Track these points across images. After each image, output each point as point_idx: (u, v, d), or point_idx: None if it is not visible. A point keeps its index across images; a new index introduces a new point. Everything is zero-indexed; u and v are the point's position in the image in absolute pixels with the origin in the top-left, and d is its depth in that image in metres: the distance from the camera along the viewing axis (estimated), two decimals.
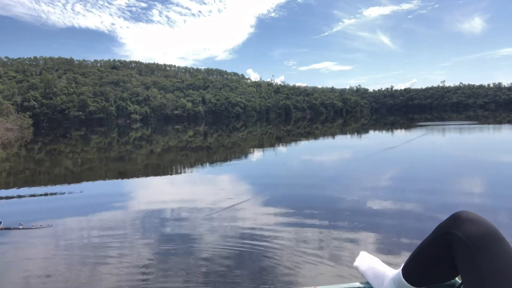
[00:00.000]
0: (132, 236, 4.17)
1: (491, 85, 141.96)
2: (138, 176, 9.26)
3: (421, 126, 28.08)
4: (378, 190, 6.34)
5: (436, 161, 9.80)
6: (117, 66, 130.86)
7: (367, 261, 1.47)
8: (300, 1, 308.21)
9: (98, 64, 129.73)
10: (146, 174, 9.70)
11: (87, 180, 8.76)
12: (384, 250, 3.51)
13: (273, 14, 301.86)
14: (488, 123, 28.77)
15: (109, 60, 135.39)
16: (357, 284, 1.40)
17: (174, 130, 39.63)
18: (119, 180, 8.73)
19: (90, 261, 3.46)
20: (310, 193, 6.32)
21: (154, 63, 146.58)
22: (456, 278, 1.24)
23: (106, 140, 26.88)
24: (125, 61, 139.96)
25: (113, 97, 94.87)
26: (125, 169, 11.03)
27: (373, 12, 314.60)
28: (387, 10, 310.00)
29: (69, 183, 8.30)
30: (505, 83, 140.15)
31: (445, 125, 27.59)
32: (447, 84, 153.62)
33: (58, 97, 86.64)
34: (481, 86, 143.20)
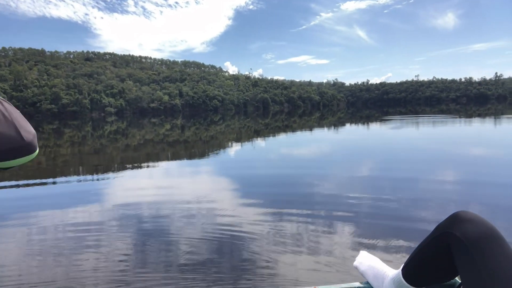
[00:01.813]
0: (109, 231, 4.10)
1: (463, 80, 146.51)
2: (113, 171, 9.09)
3: (395, 119, 28.69)
4: (355, 183, 6.45)
5: (410, 153, 10.03)
6: (91, 57, 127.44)
7: (367, 261, 1.46)
8: None
9: (71, 56, 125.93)
10: (122, 168, 9.54)
11: (61, 175, 8.53)
12: (357, 242, 3.58)
13: (251, 7, 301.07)
14: (460, 117, 29.65)
15: (83, 51, 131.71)
16: (357, 284, 1.40)
17: (151, 124, 39.05)
18: (94, 174, 8.55)
19: (65, 258, 3.38)
20: (288, 185, 6.37)
21: (129, 54, 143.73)
22: (456, 278, 1.24)
23: (80, 134, 26.24)
24: (99, 52, 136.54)
25: (87, 89, 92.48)
26: (100, 163, 10.81)
27: (350, 6, 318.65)
28: (363, 4, 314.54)
29: (42, 178, 8.07)
30: (476, 77, 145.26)
31: (419, 118, 28.28)
32: (421, 78, 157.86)
33: (29, 90, 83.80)
34: (453, 81, 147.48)
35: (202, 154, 11.93)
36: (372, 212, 4.55)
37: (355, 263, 1.52)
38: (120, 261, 3.28)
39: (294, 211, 4.63)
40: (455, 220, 1.10)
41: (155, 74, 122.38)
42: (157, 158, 11.62)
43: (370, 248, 3.41)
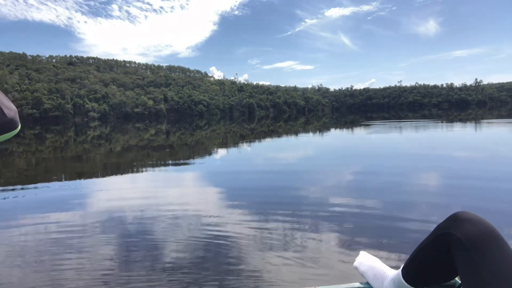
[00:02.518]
0: (92, 237, 4.02)
1: (445, 85, 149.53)
2: (97, 176, 8.95)
3: (378, 124, 29.08)
4: (340, 186, 6.49)
5: (394, 157, 10.16)
6: (74, 62, 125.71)
7: (367, 261, 1.46)
8: (263, 0, 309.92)
9: (54, 60, 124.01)
10: (106, 174, 9.40)
11: (43, 181, 8.35)
12: (345, 243, 3.60)
13: (236, 12, 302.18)
14: (442, 122, 30.22)
15: (66, 56, 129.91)
16: (357, 284, 1.40)
17: (135, 129, 38.66)
18: (77, 180, 8.40)
19: (47, 265, 3.30)
20: (274, 189, 6.36)
21: (113, 59, 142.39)
22: (456, 278, 1.24)
23: (63, 139, 25.78)
24: (82, 57, 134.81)
25: (70, 94, 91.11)
26: (83, 169, 10.63)
27: (334, 12, 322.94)
28: (347, 11, 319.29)
29: (23, 184, 7.88)
30: (457, 83, 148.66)
31: (401, 123, 28.72)
32: (404, 84, 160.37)
33: (9, 94, 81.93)
34: (435, 86, 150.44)
35: (187, 159, 11.85)
36: (358, 214, 4.59)
37: (355, 264, 1.52)
38: (104, 266, 3.22)
39: (280, 214, 4.63)
40: (455, 220, 1.09)
41: (139, 79, 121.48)
42: (141, 163, 11.49)
43: (358, 250, 3.42)
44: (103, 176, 8.99)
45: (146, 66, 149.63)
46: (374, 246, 3.53)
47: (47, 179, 8.70)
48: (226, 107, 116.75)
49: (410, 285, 1.21)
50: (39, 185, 7.79)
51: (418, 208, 4.91)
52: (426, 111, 71.27)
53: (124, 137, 25.85)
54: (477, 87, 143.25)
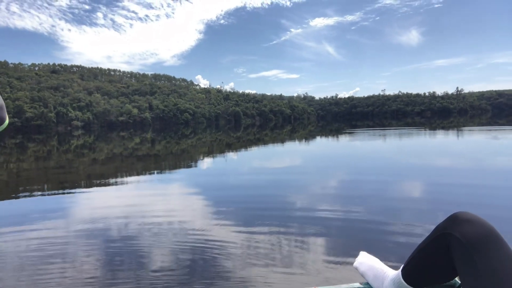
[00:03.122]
0: (75, 245, 3.93)
1: (427, 94, 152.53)
2: (80, 186, 8.78)
3: (362, 132, 29.40)
4: (327, 194, 6.51)
5: (379, 164, 10.26)
6: (57, 70, 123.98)
7: (367, 262, 1.46)
8: (248, 9, 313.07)
9: (36, 68, 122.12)
10: (89, 183, 9.23)
11: (24, 191, 8.14)
12: (335, 251, 3.60)
13: (222, 21, 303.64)
14: (425, 129, 30.74)
15: (49, 64, 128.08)
16: (357, 284, 1.40)
17: (119, 137, 38.20)
18: (60, 190, 8.22)
19: (29, 273, 3.20)
20: (261, 197, 6.34)
21: (97, 67, 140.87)
22: (456, 279, 1.24)
23: (45, 149, 25.28)
24: (66, 65, 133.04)
25: (53, 102, 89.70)
26: (66, 178, 10.41)
27: (319, 22, 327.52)
28: (332, 21, 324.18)
29: (3, 194, 7.67)
30: (439, 92, 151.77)
31: (385, 131, 29.12)
32: (387, 93, 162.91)
33: None
34: (418, 95, 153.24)
35: (173, 168, 11.74)
36: (343, 219, 4.60)
37: (355, 264, 1.52)
38: (87, 277, 3.14)
39: (266, 222, 4.61)
40: (455, 221, 1.10)
41: (124, 87, 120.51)
42: (126, 172, 11.34)
43: (344, 255, 3.42)
44: (87, 185, 8.83)
45: (131, 74, 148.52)
46: (347, 255, 3.53)
47: (29, 189, 8.49)
48: (212, 115, 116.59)
49: (410, 286, 1.21)
50: (20, 195, 7.60)
51: (403, 213, 4.95)
52: (409, 119, 72.43)
53: (108, 146, 25.51)
54: (459, 96, 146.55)
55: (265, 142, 23.40)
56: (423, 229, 4.17)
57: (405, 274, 1.22)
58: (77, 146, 26.80)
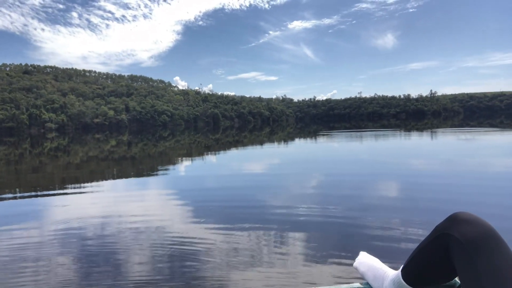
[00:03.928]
0: (49, 252, 3.79)
1: (402, 96, 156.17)
2: (54, 189, 8.52)
3: (340, 134, 29.79)
4: (305, 195, 6.53)
5: (356, 165, 10.40)
6: (29, 71, 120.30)
7: (367, 262, 1.46)
8: (227, 11, 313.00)
9: (7, 68, 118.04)
10: (64, 187, 8.97)
11: None
12: (315, 248, 3.61)
13: (200, 22, 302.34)
14: (401, 131, 31.41)
15: (21, 64, 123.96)
16: (357, 284, 1.40)
17: (95, 140, 37.40)
18: (33, 193, 7.95)
19: (1, 278, 3.07)
20: (240, 199, 6.31)
21: (72, 68, 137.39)
22: (456, 279, 1.23)
23: (17, 152, 24.47)
24: (39, 65, 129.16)
25: (25, 104, 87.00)
26: (39, 182, 10.09)
27: (297, 25, 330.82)
28: (309, 24, 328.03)
29: None
30: (413, 94, 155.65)
31: (362, 132, 29.58)
32: (363, 95, 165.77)
33: None
34: (393, 97, 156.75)
35: (150, 171, 11.57)
36: (322, 221, 4.62)
37: (355, 264, 1.51)
38: (61, 280, 3.04)
39: (246, 224, 4.58)
40: (454, 221, 1.10)
41: (99, 88, 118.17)
42: (102, 175, 11.09)
43: (324, 256, 3.43)
44: (61, 189, 8.57)
45: (107, 76, 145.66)
46: (338, 252, 3.55)
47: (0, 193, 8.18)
48: (191, 117, 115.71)
49: (410, 286, 1.21)
50: None
51: (382, 213, 5.01)
52: (385, 121, 73.88)
53: (83, 149, 24.92)
54: (432, 98, 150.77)
55: (244, 144, 23.38)
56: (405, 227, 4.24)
57: (405, 274, 1.22)
58: (50, 149, 26.06)
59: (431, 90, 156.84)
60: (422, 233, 4.11)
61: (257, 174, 9.75)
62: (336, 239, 4.07)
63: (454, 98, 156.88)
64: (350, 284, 1.39)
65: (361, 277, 1.46)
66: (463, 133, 23.70)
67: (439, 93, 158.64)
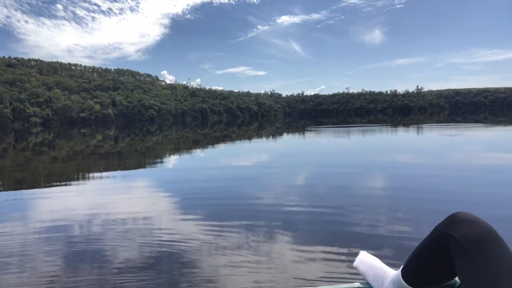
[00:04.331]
0: (34, 249, 3.72)
1: (389, 92, 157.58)
2: (39, 186, 8.38)
3: (326, 129, 29.95)
4: (293, 190, 6.55)
5: (344, 161, 10.47)
6: (13, 64, 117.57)
7: (367, 261, 1.46)
8: (215, 5, 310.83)
9: None
10: (49, 182, 8.83)
11: None
12: (300, 242, 3.61)
13: (188, 16, 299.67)
14: (387, 126, 31.73)
15: (4, 57, 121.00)
16: (357, 284, 1.40)
17: (80, 134, 36.91)
18: (17, 190, 7.81)
19: None
20: (229, 195, 6.29)
21: (57, 61, 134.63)
22: (456, 278, 1.23)
23: (0, 146, 23.98)
24: (22, 58, 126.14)
25: (9, 98, 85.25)
26: (23, 178, 9.91)
27: (285, 20, 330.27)
28: (298, 19, 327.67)
29: None
30: (400, 90, 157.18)
31: (350, 128, 29.80)
32: (351, 91, 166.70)
33: None
34: (380, 93, 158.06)
35: (138, 166, 11.46)
36: (310, 216, 4.64)
37: (355, 263, 1.51)
38: (47, 276, 2.99)
39: (234, 220, 4.57)
40: (453, 221, 1.10)
41: (85, 82, 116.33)
42: (88, 171, 10.94)
43: (313, 252, 3.44)
44: (47, 184, 8.43)
45: (93, 69, 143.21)
46: (327, 247, 3.57)
47: None
48: (178, 112, 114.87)
49: (410, 286, 1.21)
50: None
51: (370, 208, 5.05)
52: (372, 117, 74.60)
53: (69, 144, 24.56)
54: (419, 94, 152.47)
55: (232, 139, 23.33)
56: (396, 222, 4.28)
57: (405, 274, 1.22)
58: (35, 144, 25.62)
59: (417, 86, 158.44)
60: (407, 229, 4.16)
61: (245, 169, 9.74)
62: (324, 234, 4.08)
63: (440, 94, 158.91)
64: (350, 283, 1.39)
65: (361, 277, 1.46)
66: (448, 129, 24.05)
67: (425, 89, 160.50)
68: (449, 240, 1.08)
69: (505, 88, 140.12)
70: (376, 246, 3.57)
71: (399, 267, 1.29)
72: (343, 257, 3.36)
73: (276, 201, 5.74)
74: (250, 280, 2.96)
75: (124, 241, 3.97)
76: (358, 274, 1.49)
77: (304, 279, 2.95)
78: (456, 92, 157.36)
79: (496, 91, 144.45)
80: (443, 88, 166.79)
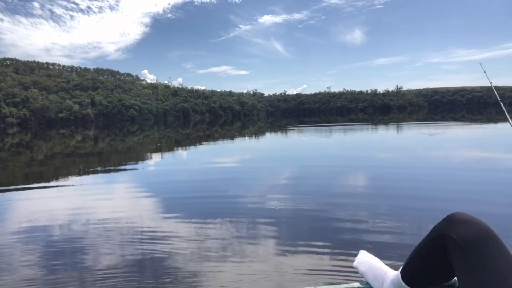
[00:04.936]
0: (12, 251, 3.62)
1: (369, 91, 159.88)
2: (16, 188, 8.15)
3: (309, 128, 30.14)
4: (276, 189, 6.57)
5: (326, 159, 10.56)
6: None
7: (367, 261, 1.46)
8: (197, 4, 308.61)
9: None
10: (27, 184, 8.60)
11: None
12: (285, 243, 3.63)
13: (169, 15, 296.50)
14: (368, 124, 32.15)
15: None
16: (357, 284, 1.40)
17: (59, 135, 36.12)
18: None
19: None
20: (211, 195, 6.26)
21: (34, 61, 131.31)
22: (455, 279, 1.23)
23: None
24: None
25: None
26: (0, 179, 9.63)
27: (267, 19, 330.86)
28: (280, 19, 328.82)
29: None
30: (380, 89, 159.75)
31: (331, 127, 30.08)
32: (332, 90, 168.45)
33: None
34: (361, 92, 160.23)
35: (118, 166, 11.28)
36: (294, 215, 4.67)
37: (355, 263, 1.51)
38: (26, 279, 2.91)
39: (218, 221, 4.55)
40: (451, 222, 1.10)
41: (64, 82, 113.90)
42: (67, 172, 10.71)
43: (296, 253, 3.46)
44: (24, 186, 8.21)
45: (72, 69, 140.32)
46: (308, 247, 3.59)
47: None
48: (160, 111, 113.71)
49: (410, 287, 1.21)
50: None
51: (352, 205, 5.11)
52: (353, 115, 75.39)
53: (47, 144, 24.00)
54: (398, 93, 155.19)
55: (215, 139, 23.23)
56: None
57: (404, 275, 1.23)
58: (12, 145, 24.94)
59: (397, 85, 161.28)
60: (399, 225, 4.21)
61: (228, 168, 9.71)
62: (307, 230, 4.11)
63: (419, 92, 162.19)
64: (350, 284, 1.40)
65: (361, 277, 1.46)
66: (427, 127, 24.55)
67: (405, 88, 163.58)
68: (447, 241, 1.08)
69: (481, 87, 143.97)
70: (374, 245, 3.62)
71: (399, 266, 1.29)
72: (341, 256, 3.39)
73: (259, 201, 5.74)
74: (234, 278, 2.95)
75: (105, 241, 3.91)
76: (358, 274, 1.49)
77: (290, 277, 2.96)
78: (435, 91, 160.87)
79: (473, 90, 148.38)
80: (422, 87, 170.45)
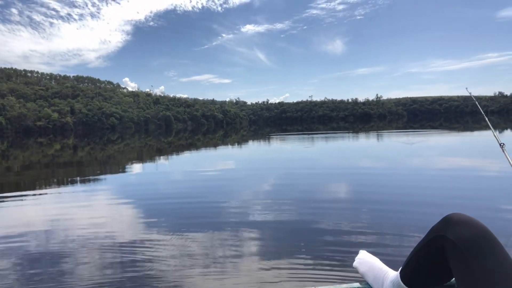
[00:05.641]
0: None
1: (350, 100, 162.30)
2: None
3: (291, 136, 30.31)
4: (259, 198, 6.56)
5: (308, 167, 10.63)
6: None
7: (367, 262, 1.46)
8: (179, 12, 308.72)
9: None
10: (2, 193, 8.34)
11: None
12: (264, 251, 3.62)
13: (151, 23, 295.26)
14: (349, 133, 32.59)
15: None
16: (357, 284, 1.40)
17: (37, 144, 35.26)
18: None
19: None
20: (193, 203, 6.21)
21: (11, 68, 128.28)
22: (454, 279, 1.22)
23: None
24: None
25: None
26: None
27: (249, 29, 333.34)
28: (262, 28, 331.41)
29: None
30: (361, 98, 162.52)
31: (314, 135, 30.36)
32: (314, 99, 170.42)
33: None
34: (342, 101, 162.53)
35: (98, 176, 11.07)
36: (275, 222, 4.67)
37: (355, 263, 1.51)
38: None
39: (200, 229, 4.52)
40: (448, 223, 1.11)
41: (42, 90, 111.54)
42: (45, 181, 10.45)
43: (276, 258, 3.45)
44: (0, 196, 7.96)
45: (51, 76, 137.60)
46: (288, 255, 3.60)
47: None
48: (141, 120, 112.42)
49: (409, 287, 1.21)
50: None
51: (332, 214, 5.15)
52: (334, 124, 76.42)
53: (24, 154, 23.38)
54: (378, 102, 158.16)
55: (197, 147, 23.11)
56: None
57: (404, 276, 1.23)
58: None
59: (377, 94, 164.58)
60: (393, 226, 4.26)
61: (210, 178, 9.66)
62: (288, 237, 4.12)
63: (398, 102, 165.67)
64: (350, 284, 1.40)
65: (361, 277, 1.46)
66: (407, 136, 25.03)
67: (385, 97, 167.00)
68: (444, 242, 1.09)
69: (458, 97, 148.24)
70: (372, 243, 3.64)
71: (399, 265, 1.29)
72: (335, 258, 3.39)
73: (243, 209, 5.72)
74: (217, 285, 2.92)
75: (84, 252, 3.82)
76: (358, 274, 1.48)
77: (271, 282, 2.95)
78: (414, 100, 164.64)
79: (450, 99, 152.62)
80: (401, 96, 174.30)
